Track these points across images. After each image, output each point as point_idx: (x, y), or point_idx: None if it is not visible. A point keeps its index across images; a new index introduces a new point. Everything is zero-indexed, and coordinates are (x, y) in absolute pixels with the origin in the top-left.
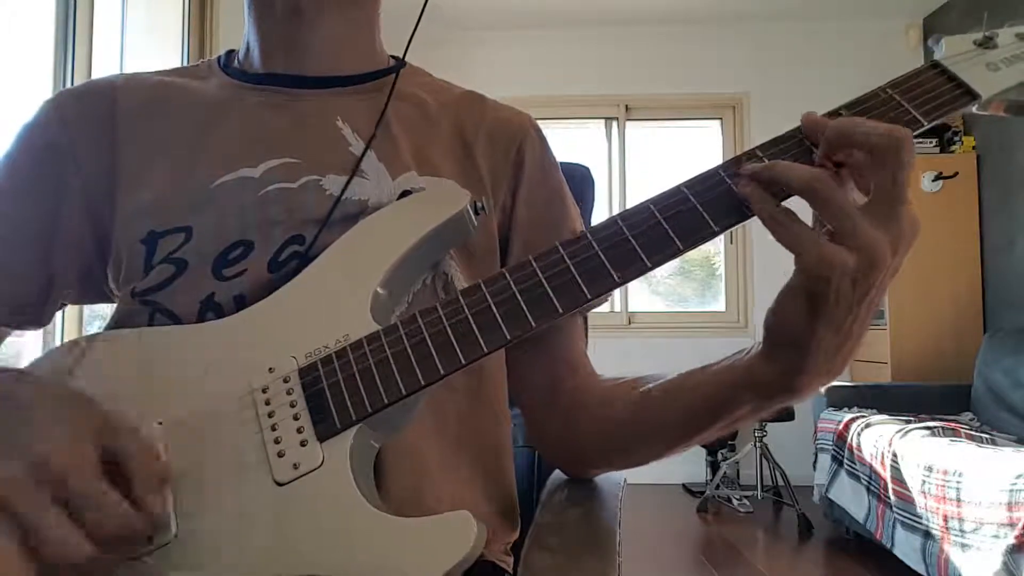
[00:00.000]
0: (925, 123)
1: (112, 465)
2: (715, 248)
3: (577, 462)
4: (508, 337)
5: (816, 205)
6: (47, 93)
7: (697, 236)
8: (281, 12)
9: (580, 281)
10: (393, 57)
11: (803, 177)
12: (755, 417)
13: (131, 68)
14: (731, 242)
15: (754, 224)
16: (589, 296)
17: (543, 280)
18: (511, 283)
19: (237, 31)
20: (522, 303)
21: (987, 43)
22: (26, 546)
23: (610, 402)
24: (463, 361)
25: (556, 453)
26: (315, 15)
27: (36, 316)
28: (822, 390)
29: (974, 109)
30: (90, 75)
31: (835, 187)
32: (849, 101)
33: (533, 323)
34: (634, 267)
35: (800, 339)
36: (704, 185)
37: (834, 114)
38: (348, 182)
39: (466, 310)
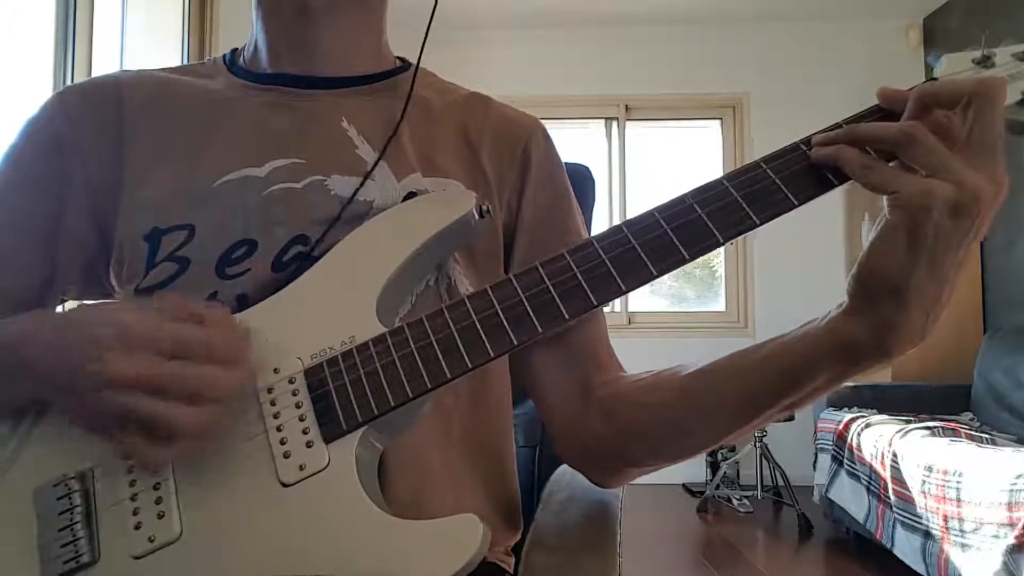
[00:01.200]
0: None
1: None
2: (716, 248)
3: (620, 464)
4: (515, 342)
5: (912, 150)
6: (47, 93)
7: (702, 245)
8: (289, 12)
9: (586, 288)
10: (399, 58)
11: (894, 128)
12: (830, 390)
13: (131, 68)
14: (731, 243)
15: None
16: (595, 303)
17: (550, 287)
18: (518, 289)
19: (237, 31)
20: (529, 309)
21: (985, 62)
22: (152, 433)
23: (653, 389)
24: (469, 365)
25: (596, 458)
26: (323, 15)
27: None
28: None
29: None
30: (90, 75)
31: (926, 131)
32: (849, 117)
33: (540, 328)
34: (640, 275)
35: (897, 282)
36: (709, 194)
37: (836, 127)
38: (360, 186)
39: (473, 315)
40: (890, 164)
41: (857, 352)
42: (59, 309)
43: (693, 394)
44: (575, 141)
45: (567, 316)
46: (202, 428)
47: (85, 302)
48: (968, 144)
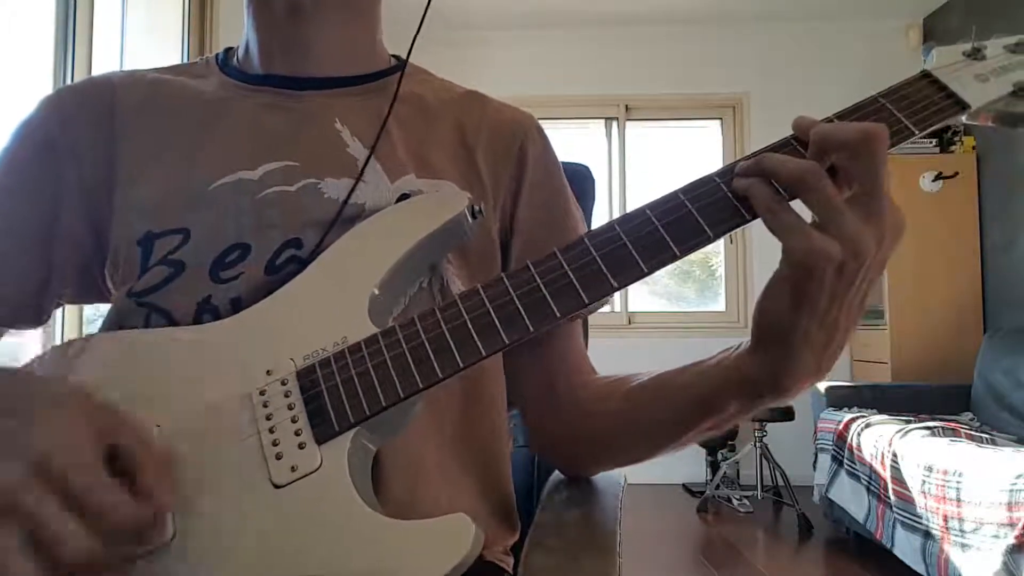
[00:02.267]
0: (916, 132)
1: (114, 460)
2: (715, 248)
3: (576, 462)
4: (506, 341)
5: (803, 195)
6: (47, 93)
7: (693, 242)
8: (281, 12)
9: (577, 286)
10: (394, 56)
11: (792, 168)
12: (743, 417)
13: (131, 68)
14: (731, 242)
15: (754, 224)
16: (586, 301)
17: (541, 285)
18: (509, 288)
19: (237, 31)
20: (520, 308)
21: (976, 54)
22: (31, 546)
23: (604, 399)
24: (461, 365)
25: (555, 454)
26: (315, 15)
27: (34, 315)
28: (822, 389)
29: (963, 119)
30: (90, 75)
31: (823, 178)
32: (841, 111)
33: (531, 327)
34: (631, 272)
35: (786, 331)
36: (700, 191)
37: (826, 122)
38: (352, 189)
39: (464, 314)
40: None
41: (755, 388)
42: (56, 312)
43: (633, 408)
44: (575, 141)
45: (558, 315)
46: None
47: (74, 339)
48: (858, 192)
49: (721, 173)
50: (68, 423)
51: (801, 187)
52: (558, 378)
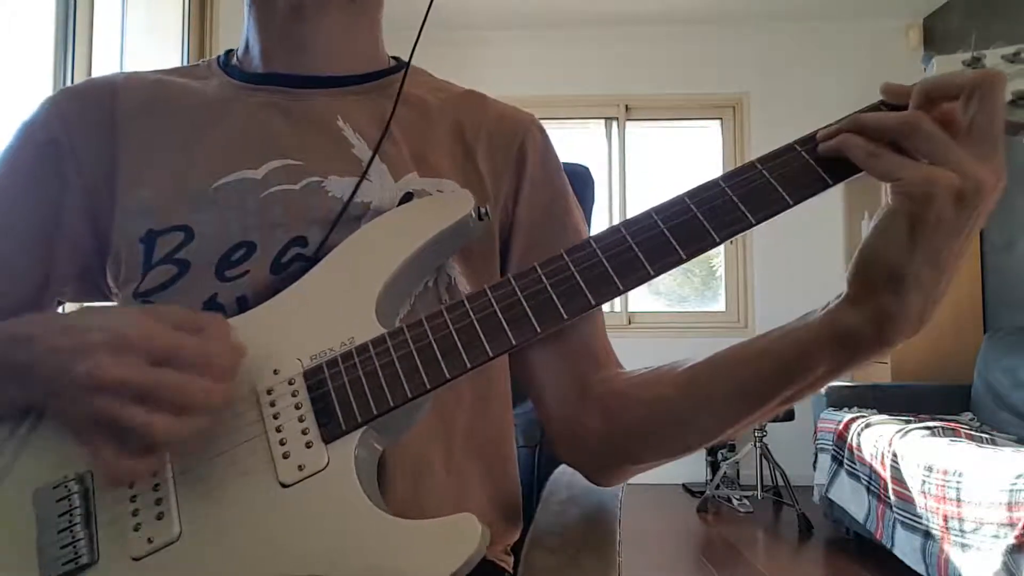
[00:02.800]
0: None
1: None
2: (715, 248)
3: (620, 460)
4: (513, 342)
5: (911, 140)
6: (47, 93)
7: (699, 245)
8: (282, 11)
9: (584, 288)
10: (394, 58)
11: (894, 118)
12: (828, 381)
13: (131, 68)
14: (731, 242)
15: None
16: (593, 303)
17: (548, 286)
18: (516, 289)
19: (237, 31)
20: (527, 309)
21: (975, 63)
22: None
23: (652, 384)
24: (468, 365)
25: (595, 456)
26: (316, 14)
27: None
28: (822, 389)
29: None
30: (90, 75)
31: (929, 121)
32: (846, 116)
33: (538, 329)
34: (637, 275)
35: (897, 269)
36: (707, 195)
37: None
38: (357, 187)
39: (472, 315)
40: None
41: (855, 341)
42: (57, 311)
43: (693, 388)
44: (575, 141)
45: (566, 316)
46: (177, 439)
47: (85, 305)
48: (970, 134)
49: (726, 177)
50: (119, 313)
51: (907, 131)
52: (588, 373)
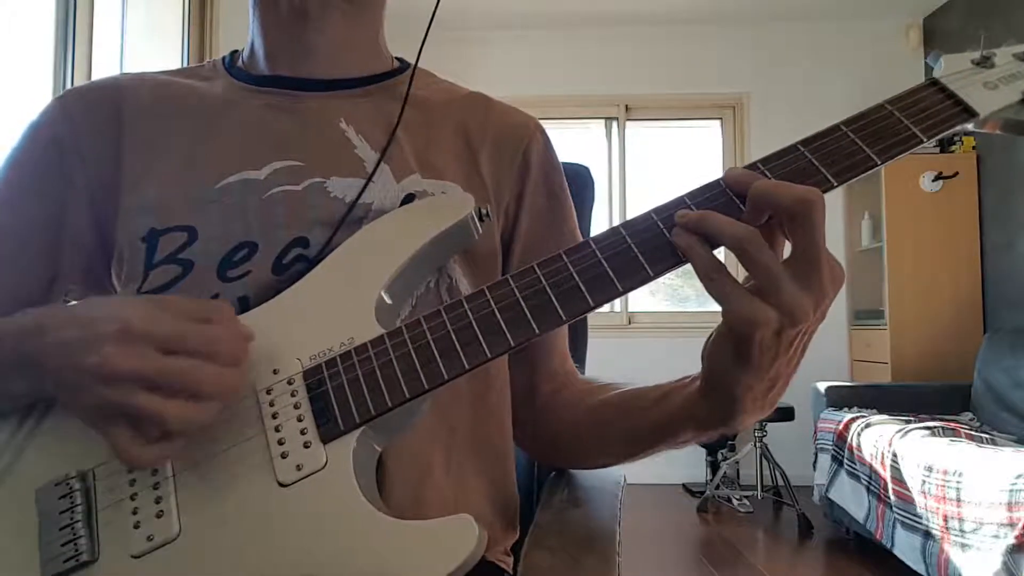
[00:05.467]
0: (924, 139)
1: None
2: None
3: (549, 459)
4: (512, 343)
5: (743, 261)
6: (47, 93)
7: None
8: (286, 14)
9: (583, 289)
10: (398, 59)
11: (734, 234)
12: (698, 440)
13: (131, 68)
14: None
15: None
16: (592, 304)
17: (547, 287)
18: (515, 289)
19: (237, 31)
20: (526, 309)
21: (985, 62)
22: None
23: (572, 407)
24: (466, 366)
25: (531, 449)
26: (320, 17)
27: None
28: (822, 389)
29: (971, 127)
30: (90, 75)
31: (763, 247)
32: (848, 118)
33: (537, 329)
34: (637, 276)
35: (729, 382)
36: (706, 196)
37: (835, 129)
38: (363, 189)
39: (470, 315)
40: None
41: (706, 423)
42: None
43: (596, 424)
44: (575, 141)
45: (564, 317)
46: (195, 427)
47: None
48: (794, 259)
49: (728, 180)
50: (126, 303)
51: (741, 254)
52: (539, 382)
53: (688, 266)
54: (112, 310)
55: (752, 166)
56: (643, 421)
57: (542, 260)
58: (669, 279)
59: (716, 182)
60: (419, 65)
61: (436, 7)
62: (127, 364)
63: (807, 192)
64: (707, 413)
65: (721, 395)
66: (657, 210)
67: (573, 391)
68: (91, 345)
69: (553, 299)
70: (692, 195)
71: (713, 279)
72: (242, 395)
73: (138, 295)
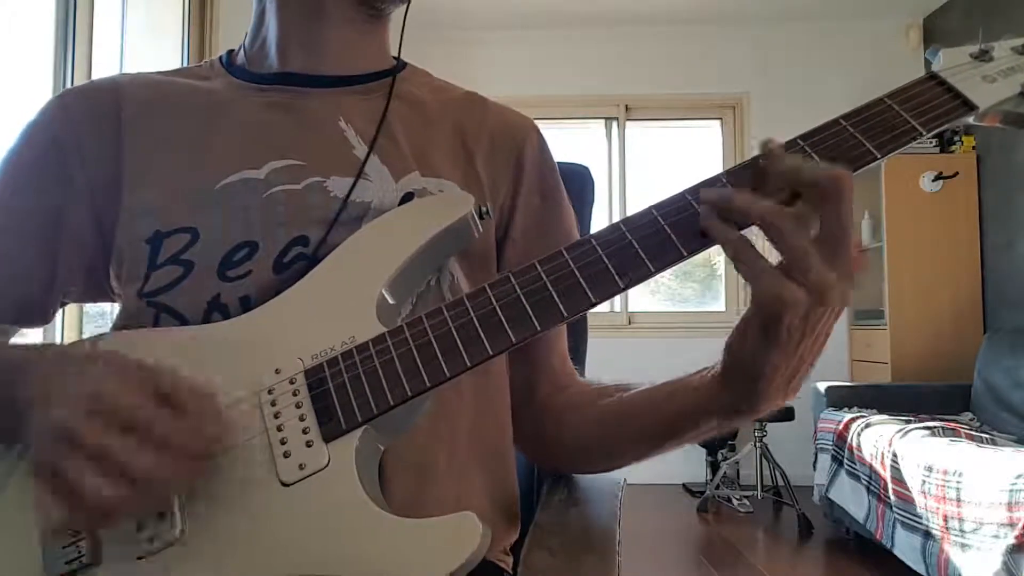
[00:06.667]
0: (924, 133)
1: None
2: (716, 248)
3: (549, 462)
4: (513, 340)
5: (772, 240)
6: (47, 93)
7: (701, 242)
8: (307, 11)
9: (584, 286)
10: (396, 58)
11: (763, 211)
12: (714, 434)
13: (131, 68)
14: None
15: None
16: (594, 300)
17: (548, 284)
18: (515, 287)
19: (237, 31)
20: (527, 306)
21: (983, 56)
22: (99, 470)
23: (576, 409)
24: (468, 364)
25: (530, 452)
26: (338, 16)
27: (41, 313)
28: (822, 389)
29: (971, 120)
30: (90, 75)
31: (792, 225)
32: (848, 112)
33: (538, 326)
34: (638, 272)
35: (755, 367)
36: (743, 175)
37: (834, 123)
38: (353, 186)
39: (471, 313)
40: None
41: (729, 413)
42: (59, 312)
43: (601, 426)
44: (575, 141)
45: (565, 314)
46: (118, 507)
47: (84, 338)
48: (822, 238)
49: (728, 173)
50: (112, 370)
51: (771, 231)
52: (538, 382)
53: (688, 265)
54: (92, 370)
55: (716, 178)
56: (657, 420)
57: (543, 257)
58: (669, 279)
59: (753, 159)
60: (415, 64)
61: (408, 6)
62: (81, 431)
63: (835, 170)
64: (731, 400)
65: (745, 382)
66: (657, 206)
67: (574, 392)
68: (61, 400)
69: (555, 295)
70: (728, 173)
71: (740, 258)
72: (244, 398)
73: (138, 299)
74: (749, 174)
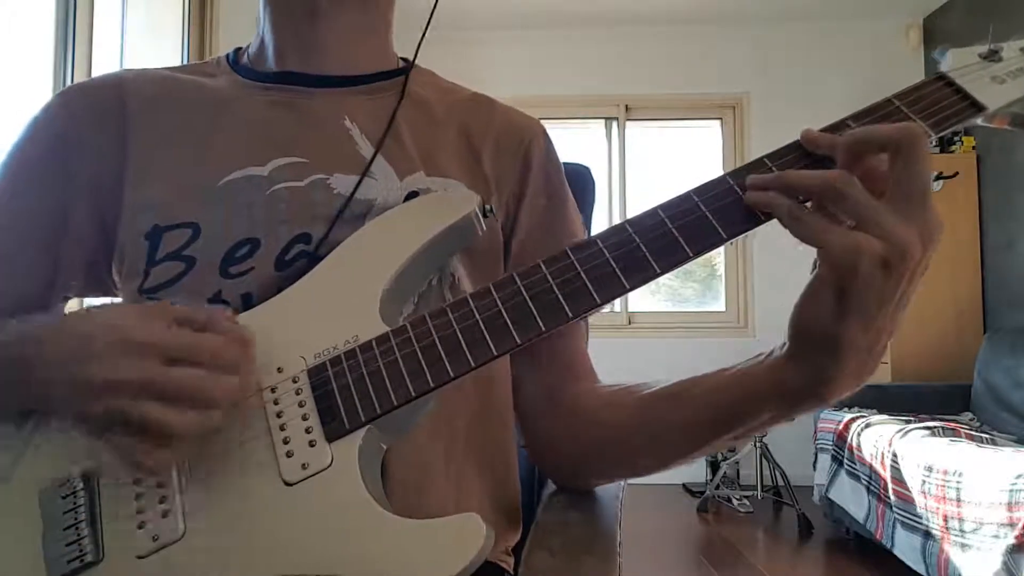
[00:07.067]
0: (932, 134)
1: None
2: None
3: (577, 471)
4: (518, 341)
5: (838, 202)
6: (47, 93)
7: (707, 243)
8: (299, 12)
9: (590, 286)
10: (403, 59)
11: (820, 178)
12: (772, 426)
13: (131, 68)
14: (731, 243)
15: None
16: (599, 301)
17: (553, 285)
18: (521, 287)
19: (237, 31)
20: (532, 307)
21: (992, 56)
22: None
23: (613, 406)
24: (472, 364)
25: (555, 462)
26: (333, 16)
27: (41, 309)
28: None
29: (979, 121)
30: (90, 74)
31: (854, 182)
32: (856, 112)
33: (543, 327)
34: (644, 273)
35: (830, 338)
36: (714, 192)
37: (841, 124)
38: (358, 184)
39: (476, 313)
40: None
41: (795, 397)
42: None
43: (646, 420)
44: (575, 141)
45: (570, 315)
46: (198, 433)
47: (89, 305)
48: (896, 193)
49: (734, 174)
50: (132, 312)
51: (832, 195)
52: (560, 384)
53: (688, 265)
54: (108, 320)
55: (758, 162)
56: (711, 404)
57: (548, 258)
58: (669, 279)
59: (794, 143)
60: (423, 66)
61: (434, 8)
62: (132, 374)
63: (910, 124)
64: (799, 383)
65: (818, 356)
66: (663, 206)
67: (604, 391)
68: (89, 355)
69: (559, 297)
70: (770, 156)
71: (803, 219)
72: (245, 399)
73: (139, 296)
74: (792, 157)
